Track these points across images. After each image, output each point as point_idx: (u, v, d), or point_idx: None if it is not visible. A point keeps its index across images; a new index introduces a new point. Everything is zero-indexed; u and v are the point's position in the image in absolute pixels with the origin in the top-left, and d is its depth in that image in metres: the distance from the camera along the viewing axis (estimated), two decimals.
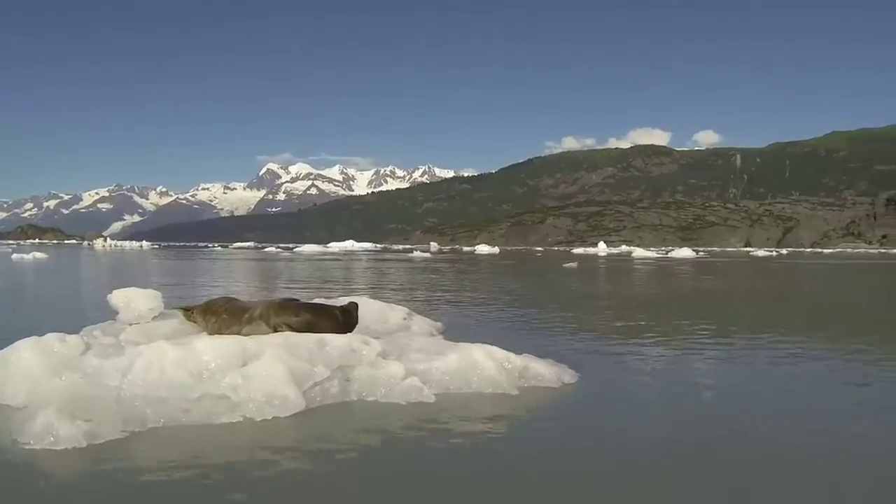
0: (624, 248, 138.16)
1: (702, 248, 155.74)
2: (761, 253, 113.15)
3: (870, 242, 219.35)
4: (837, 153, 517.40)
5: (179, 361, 5.32)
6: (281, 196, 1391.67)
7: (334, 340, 6.02)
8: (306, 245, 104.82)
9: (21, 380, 5.26)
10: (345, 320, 6.79)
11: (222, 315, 6.74)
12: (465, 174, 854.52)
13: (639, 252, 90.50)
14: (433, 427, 5.02)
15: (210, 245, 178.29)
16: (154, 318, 7.44)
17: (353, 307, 7.05)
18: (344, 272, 31.32)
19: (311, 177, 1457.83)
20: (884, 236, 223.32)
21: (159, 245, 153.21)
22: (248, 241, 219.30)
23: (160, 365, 5.25)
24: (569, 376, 6.54)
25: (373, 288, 20.10)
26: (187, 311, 7.19)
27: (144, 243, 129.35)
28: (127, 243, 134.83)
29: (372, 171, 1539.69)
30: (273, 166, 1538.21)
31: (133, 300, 7.65)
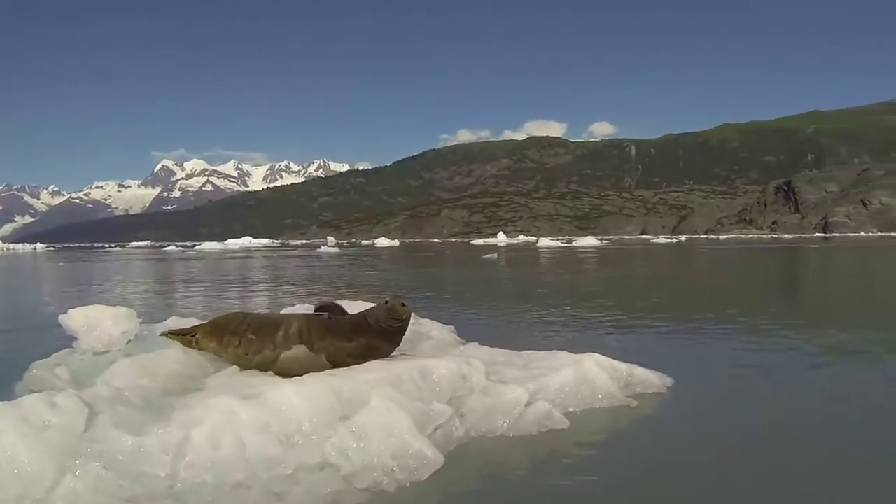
0: (522, 237, 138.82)
1: (602, 237, 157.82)
2: (662, 240, 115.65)
3: (761, 228, 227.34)
4: (729, 144, 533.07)
5: (259, 424, 3.59)
6: (176, 193, 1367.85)
7: (439, 368, 4.63)
8: (206, 243, 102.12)
9: (9, 480, 3.12)
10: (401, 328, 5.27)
11: (247, 335, 4.91)
12: (361, 168, 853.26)
13: (543, 241, 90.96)
14: (594, 460, 4.16)
15: (107, 245, 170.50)
16: (128, 342, 5.66)
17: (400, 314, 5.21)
18: (270, 271, 29.27)
19: (207, 173, 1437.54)
20: (773, 222, 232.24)
21: (54, 247, 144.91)
22: (143, 240, 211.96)
23: (234, 434, 3.48)
24: (668, 379, 5.90)
25: (324, 287, 18.42)
26: (186, 337, 5.32)
27: (38, 246, 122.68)
28: (20, 246, 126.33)
29: (267, 166, 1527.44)
30: (168, 163, 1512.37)
31: (99, 322, 5.95)
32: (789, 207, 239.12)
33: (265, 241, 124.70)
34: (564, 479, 3.80)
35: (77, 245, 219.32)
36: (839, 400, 5.57)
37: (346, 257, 46.62)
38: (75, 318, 5.95)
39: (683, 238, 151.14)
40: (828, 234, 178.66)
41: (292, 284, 20.05)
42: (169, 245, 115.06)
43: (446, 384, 4.51)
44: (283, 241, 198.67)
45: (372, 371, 4.45)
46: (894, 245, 66.87)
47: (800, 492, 3.64)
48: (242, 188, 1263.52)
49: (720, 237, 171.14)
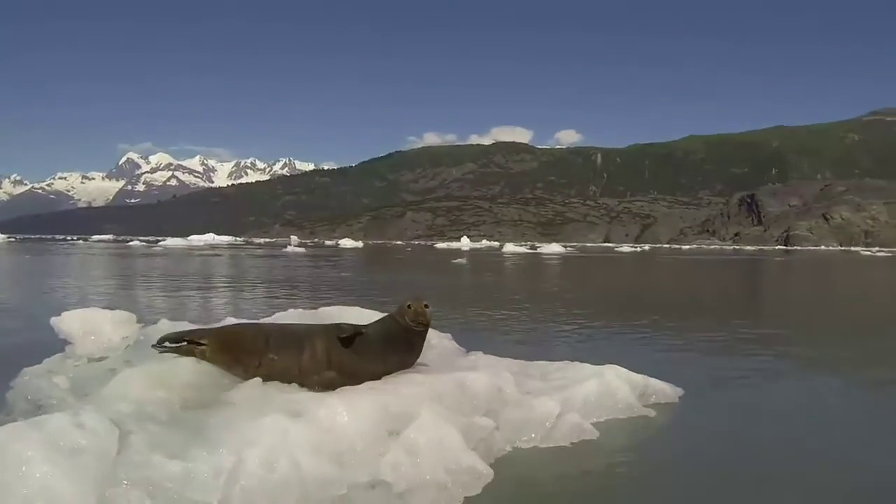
0: (485, 242, 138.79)
1: (566, 244, 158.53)
2: (625, 248, 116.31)
3: (723, 239, 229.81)
4: (695, 156, 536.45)
5: (313, 444, 3.46)
6: (140, 187, 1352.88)
7: (477, 381, 4.63)
8: (170, 239, 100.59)
9: None
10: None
11: (268, 355, 4.58)
12: (326, 167, 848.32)
13: (508, 247, 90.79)
14: (632, 467, 4.29)
15: (69, 238, 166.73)
16: (126, 348, 5.42)
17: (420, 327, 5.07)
18: (243, 270, 28.96)
19: (172, 167, 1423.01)
20: (736, 234, 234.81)
21: (15, 238, 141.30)
22: (106, 233, 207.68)
23: (290, 455, 3.31)
24: (679, 389, 6.09)
25: (307, 290, 18.20)
26: (195, 344, 4.78)
27: (0, 236, 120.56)
28: None
29: (233, 163, 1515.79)
30: (133, 156, 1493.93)
31: (96, 325, 5.69)
32: (752, 220, 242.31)
33: (228, 238, 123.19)
34: (612, 487, 3.95)
35: (38, 237, 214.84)
36: (837, 407, 6.18)
37: (314, 258, 46.38)
38: (70, 322, 5.71)
39: (647, 247, 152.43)
40: (789, 248, 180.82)
41: (272, 285, 19.84)
42: (132, 240, 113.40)
43: (483, 397, 4.51)
44: (246, 238, 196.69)
45: (413, 385, 4.39)
46: (854, 259, 70.15)
47: (809, 493, 3.92)
48: (207, 184, 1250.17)
49: (683, 247, 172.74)
